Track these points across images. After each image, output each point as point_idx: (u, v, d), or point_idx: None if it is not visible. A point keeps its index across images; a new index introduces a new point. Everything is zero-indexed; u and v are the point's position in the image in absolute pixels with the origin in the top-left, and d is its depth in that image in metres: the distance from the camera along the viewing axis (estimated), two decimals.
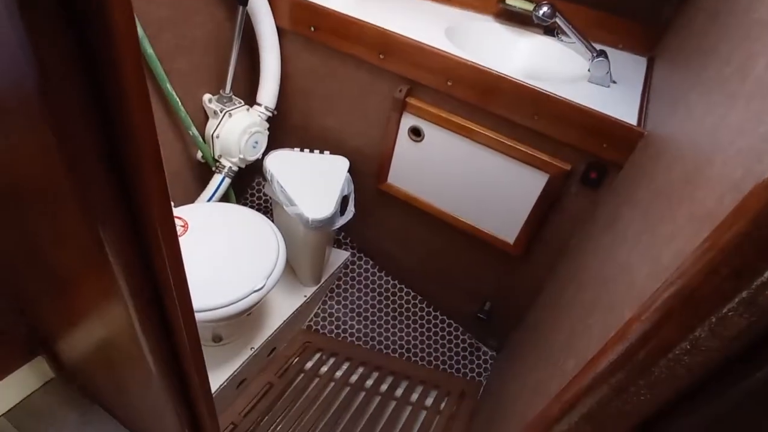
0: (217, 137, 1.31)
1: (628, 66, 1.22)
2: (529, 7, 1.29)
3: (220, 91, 1.33)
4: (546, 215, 1.16)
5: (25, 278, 0.93)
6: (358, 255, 1.65)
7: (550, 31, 1.32)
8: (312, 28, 1.24)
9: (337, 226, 1.29)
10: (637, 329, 0.36)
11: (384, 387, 1.40)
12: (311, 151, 1.40)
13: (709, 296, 0.32)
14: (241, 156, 1.33)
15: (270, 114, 1.38)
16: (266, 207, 1.68)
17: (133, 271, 0.60)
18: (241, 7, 1.18)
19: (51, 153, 0.51)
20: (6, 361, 1.20)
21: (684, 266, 0.34)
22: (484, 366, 1.52)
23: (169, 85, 1.18)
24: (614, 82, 1.14)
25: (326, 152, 1.40)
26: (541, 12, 1.13)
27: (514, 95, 1.05)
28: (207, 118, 1.35)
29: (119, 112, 0.43)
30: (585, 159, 1.05)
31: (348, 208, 1.32)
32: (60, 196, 0.57)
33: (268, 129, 1.39)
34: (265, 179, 1.33)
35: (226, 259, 1.14)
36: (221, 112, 1.29)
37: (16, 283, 0.98)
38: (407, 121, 1.22)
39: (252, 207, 1.66)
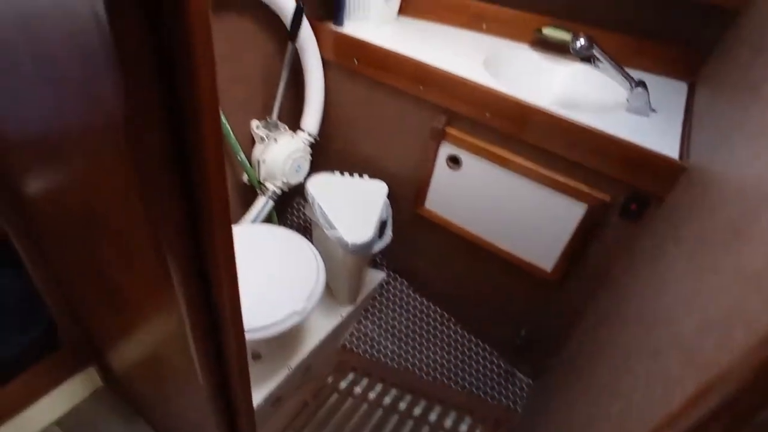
0: (263, 162, 1.37)
1: (668, 92, 1.21)
2: (566, 37, 1.31)
3: (267, 118, 1.39)
4: (585, 244, 1.16)
5: (86, 293, 1.00)
6: (393, 275, 1.68)
7: (587, 58, 1.33)
8: (355, 61, 1.30)
9: (376, 251, 1.32)
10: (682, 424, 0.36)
11: (417, 411, 1.41)
12: (351, 174, 1.44)
13: (754, 400, 0.32)
14: (285, 180, 1.38)
15: (313, 140, 1.44)
16: (305, 226, 1.73)
17: (195, 295, 0.64)
18: (290, 43, 1.25)
19: (129, 182, 0.56)
20: (62, 370, 1.27)
21: (727, 366, 0.34)
22: (519, 393, 1.51)
23: (223, 115, 1.25)
24: (654, 110, 1.13)
25: (365, 176, 1.44)
26: (578, 45, 1.14)
27: (551, 126, 1.07)
28: (254, 142, 1.42)
29: (195, 148, 0.47)
30: (625, 190, 1.04)
31: (386, 232, 1.35)
32: (133, 224, 0.62)
33: (311, 154, 1.45)
34: (306, 201, 1.38)
35: (269, 279, 1.19)
36: (268, 137, 1.36)
37: (78, 297, 1.05)
38: (445, 149, 1.25)
39: (291, 225, 1.72)
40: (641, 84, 1.12)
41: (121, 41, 0.39)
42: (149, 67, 0.43)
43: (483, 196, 1.26)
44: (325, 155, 1.55)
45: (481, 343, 1.57)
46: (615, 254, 1.12)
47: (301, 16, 1.21)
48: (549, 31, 1.34)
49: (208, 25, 0.39)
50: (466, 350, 1.57)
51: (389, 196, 1.40)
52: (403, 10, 1.48)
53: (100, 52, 0.41)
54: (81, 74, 0.48)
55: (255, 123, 1.39)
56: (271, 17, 1.25)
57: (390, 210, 1.39)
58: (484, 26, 1.44)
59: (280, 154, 1.36)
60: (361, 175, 1.45)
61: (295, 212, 1.75)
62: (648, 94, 1.11)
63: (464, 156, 1.23)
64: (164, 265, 0.60)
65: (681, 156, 0.97)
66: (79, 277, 0.95)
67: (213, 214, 0.50)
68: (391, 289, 1.67)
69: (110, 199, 0.64)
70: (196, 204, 0.52)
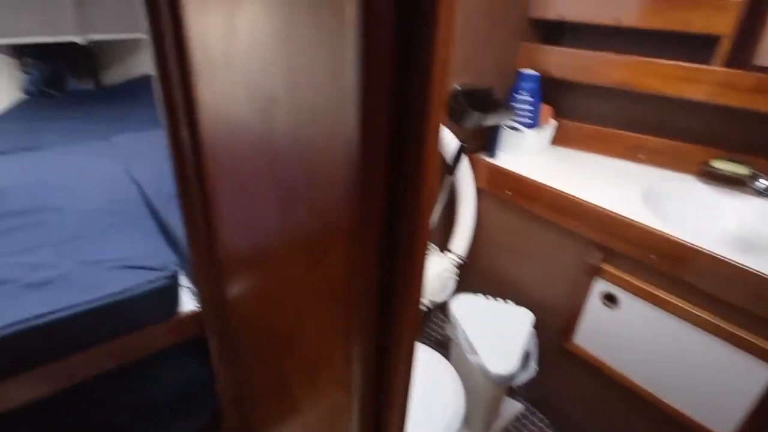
0: None
1: None
2: (742, 171, 1.22)
3: None
4: None
5: (257, 388, 1.11)
6: (531, 410, 1.56)
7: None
8: (507, 192, 1.37)
9: (518, 383, 1.27)
10: None
11: None
12: (495, 298, 1.45)
13: None
14: (431, 298, 1.45)
15: (461, 262, 1.50)
16: (443, 342, 1.74)
17: (369, 418, 0.68)
18: (449, 175, 1.38)
19: (331, 292, 0.62)
20: None
21: None
22: None
23: None
24: None
25: (509, 301, 1.43)
26: (760, 186, 1.06)
27: (728, 274, 0.97)
28: None
29: (407, 271, 0.52)
30: None
31: (529, 363, 1.30)
32: (322, 335, 0.69)
33: (457, 274, 1.50)
34: (446, 318, 1.41)
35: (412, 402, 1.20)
36: None
37: (248, 391, 1.18)
38: (600, 285, 1.20)
39: (429, 339, 1.75)
40: None
41: (365, 176, 0.44)
42: (380, 199, 0.48)
43: (644, 341, 1.15)
44: (469, 275, 1.59)
45: None
46: None
47: (462, 153, 1.35)
48: (720, 165, 1.27)
49: (436, 177, 0.45)
50: None
51: (534, 324, 1.37)
52: (555, 140, 1.54)
53: (336, 179, 0.47)
54: (309, 197, 0.56)
55: None
56: None
57: (535, 340, 1.35)
58: (642, 156, 1.42)
59: (429, 272, 1.44)
60: (505, 300, 1.44)
61: (433, 327, 1.78)
62: None
63: (622, 295, 1.16)
64: (347, 376, 0.65)
65: None
66: (254, 373, 1.08)
67: (405, 328, 0.54)
68: (528, 425, 1.55)
69: (304, 307, 0.72)
70: (388, 319, 0.56)
